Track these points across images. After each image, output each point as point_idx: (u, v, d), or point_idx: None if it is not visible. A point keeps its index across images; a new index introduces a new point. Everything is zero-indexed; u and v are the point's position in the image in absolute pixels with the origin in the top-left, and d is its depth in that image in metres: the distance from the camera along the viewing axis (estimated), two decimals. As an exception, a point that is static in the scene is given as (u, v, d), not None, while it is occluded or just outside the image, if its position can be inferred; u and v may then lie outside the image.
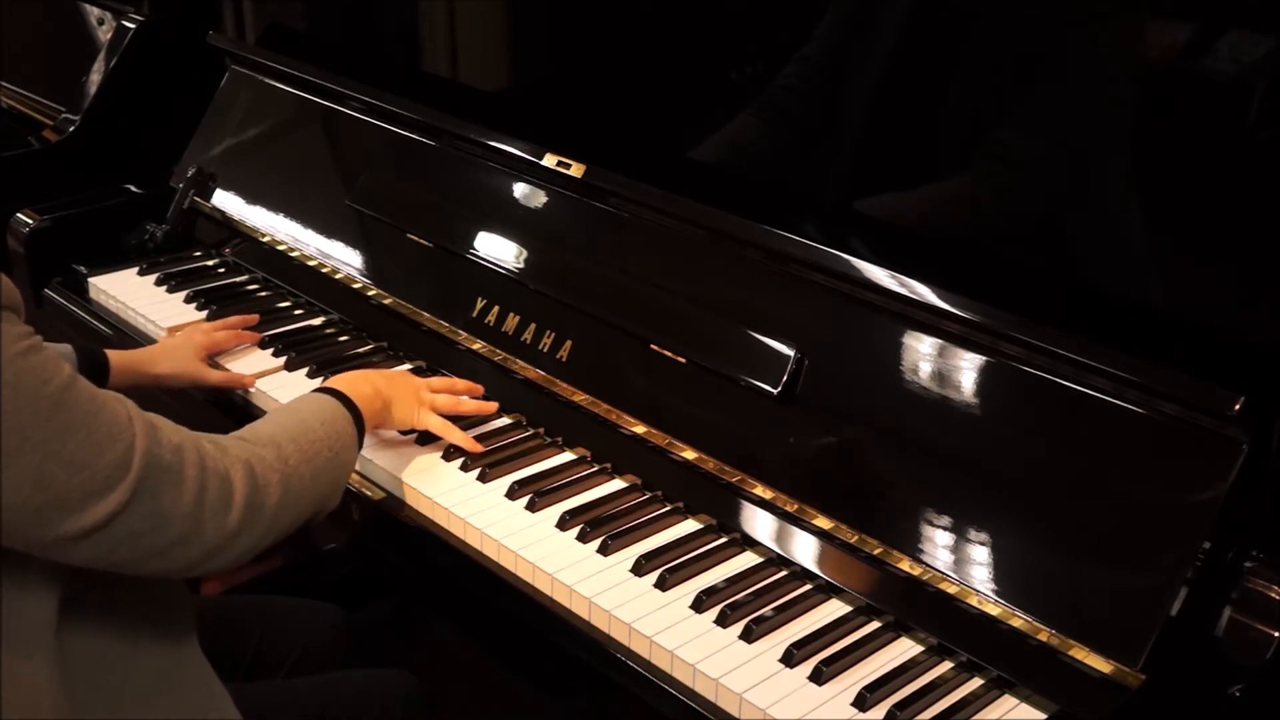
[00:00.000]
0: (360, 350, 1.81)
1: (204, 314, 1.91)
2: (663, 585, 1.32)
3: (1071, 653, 1.17)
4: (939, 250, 1.42)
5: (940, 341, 1.34)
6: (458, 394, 1.59)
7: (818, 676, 1.20)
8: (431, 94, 1.92)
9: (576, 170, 1.68)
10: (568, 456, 1.56)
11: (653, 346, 1.53)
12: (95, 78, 2.35)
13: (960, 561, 1.26)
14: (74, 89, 2.37)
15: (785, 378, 1.41)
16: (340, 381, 1.44)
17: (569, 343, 1.61)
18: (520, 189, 1.78)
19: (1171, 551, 1.16)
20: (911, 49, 1.44)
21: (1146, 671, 1.13)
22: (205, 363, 1.70)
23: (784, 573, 1.36)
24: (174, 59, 2.35)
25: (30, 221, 2.05)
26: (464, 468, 1.51)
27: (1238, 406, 1.14)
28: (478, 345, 1.70)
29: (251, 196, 2.08)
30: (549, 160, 1.72)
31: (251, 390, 1.71)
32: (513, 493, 1.46)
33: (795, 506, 1.37)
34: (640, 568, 1.34)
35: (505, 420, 1.61)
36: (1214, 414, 1.16)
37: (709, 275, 1.54)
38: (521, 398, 1.62)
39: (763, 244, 1.49)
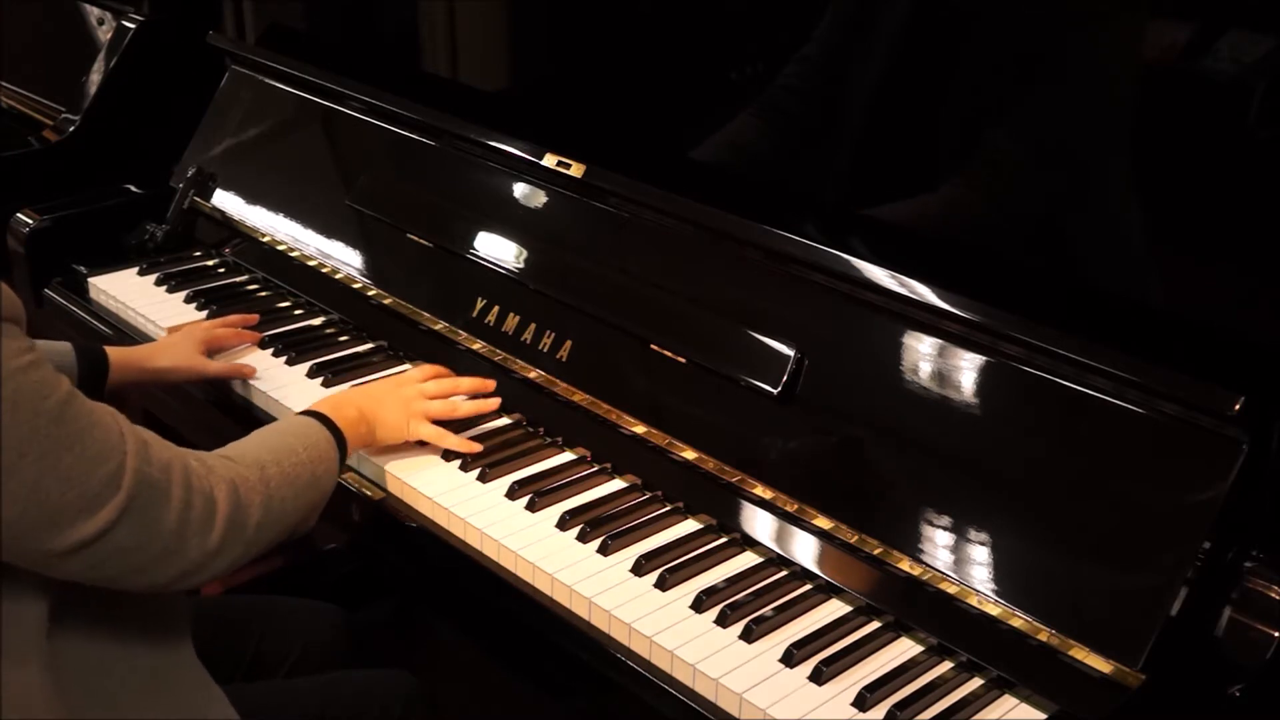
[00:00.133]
0: (360, 350, 1.81)
1: (204, 314, 1.91)
2: (663, 585, 1.32)
3: (1071, 653, 1.17)
4: (939, 250, 1.42)
5: (940, 341, 1.34)
6: (460, 392, 1.58)
7: (818, 676, 1.20)
8: (431, 94, 1.92)
9: (576, 170, 1.68)
10: (568, 456, 1.56)
11: (653, 346, 1.53)
12: (95, 78, 2.35)
13: (960, 561, 1.26)
14: (74, 89, 2.37)
15: (785, 378, 1.41)
16: (325, 405, 1.44)
17: (569, 343, 1.61)
18: (520, 189, 1.78)
19: (1171, 551, 1.16)
20: (911, 49, 1.44)
21: (1146, 671, 1.13)
22: (204, 355, 1.70)
23: (784, 573, 1.36)
24: (174, 59, 2.35)
25: (30, 221, 2.05)
26: (464, 468, 1.51)
27: (1238, 406, 1.14)
28: (478, 345, 1.70)
29: (251, 196, 2.08)
30: (549, 160, 1.72)
31: (252, 390, 1.71)
32: (513, 493, 1.46)
33: (795, 506, 1.37)
34: (640, 568, 1.34)
35: (505, 420, 1.61)
36: (1214, 414, 1.16)
37: (709, 275, 1.54)
38: (521, 398, 1.62)
39: (763, 244, 1.49)
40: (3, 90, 2.61)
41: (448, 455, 1.53)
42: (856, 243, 1.45)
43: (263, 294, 1.99)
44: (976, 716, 1.18)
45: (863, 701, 1.18)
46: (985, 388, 1.31)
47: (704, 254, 1.56)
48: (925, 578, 1.27)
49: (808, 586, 1.34)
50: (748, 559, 1.38)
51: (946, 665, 1.24)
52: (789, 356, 1.42)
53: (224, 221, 2.09)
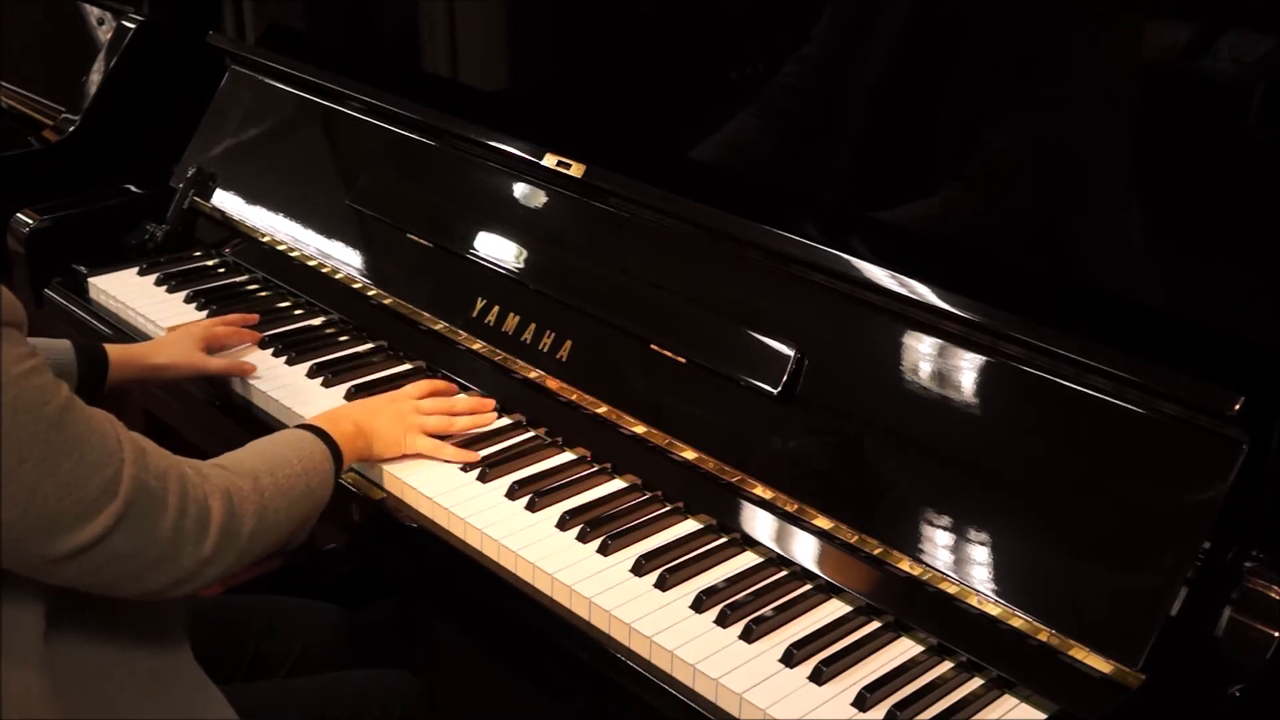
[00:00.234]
0: (360, 350, 1.81)
1: (204, 314, 1.90)
2: (663, 585, 1.32)
3: (1071, 653, 1.17)
4: (939, 250, 1.42)
5: (940, 341, 1.34)
6: (455, 411, 1.58)
7: (818, 676, 1.20)
8: (431, 94, 1.92)
9: (576, 170, 1.68)
10: (568, 456, 1.56)
11: (653, 346, 1.53)
12: (95, 78, 2.35)
13: (960, 561, 1.26)
14: (74, 89, 2.37)
15: (785, 378, 1.41)
16: (322, 419, 1.44)
17: (569, 343, 1.61)
18: (520, 189, 1.78)
19: (1171, 551, 1.16)
20: (911, 49, 1.44)
21: (1146, 671, 1.13)
22: (204, 352, 1.70)
23: (784, 573, 1.36)
24: (174, 59, 2.35)
25: (30, 221, 2.05)
26: (464, 468, 1.51)
27: (1238, 406, 1.14)
28: (478, 345, 1.70)
29: (251, 196, 2.08)
30: (549, 160, 1.72)
31: (251, 390, 1.71)
32: (513, 493, 1.46)
33: (795, 506, 1.37)
34: (640, 568, 1.34)
35: (505, 420, 1.61)
36: (1214, 414, 1.16)
37: (709, 275, 1.54)
38: (521, 398, 1.62)
39: (763, 244, 1.49)
40: (3, 90, 2.61)
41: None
42: (856, 243, 1.45)
43: (263, 294, 1.99)
44: (976, 716, 1.18)
45: (863, 701, 1.18)
46: (985, 388, 1.31)
47: (704, 254, 1.56)
48: (925, 578, 1.27)
49: (808, 586, 1.34)
50: (748, 559, 1.38)
51: (946, 665, 1.24)
52: (789, 356, 1.42)
53: (224, 221, 2.09)
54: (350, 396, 1.66)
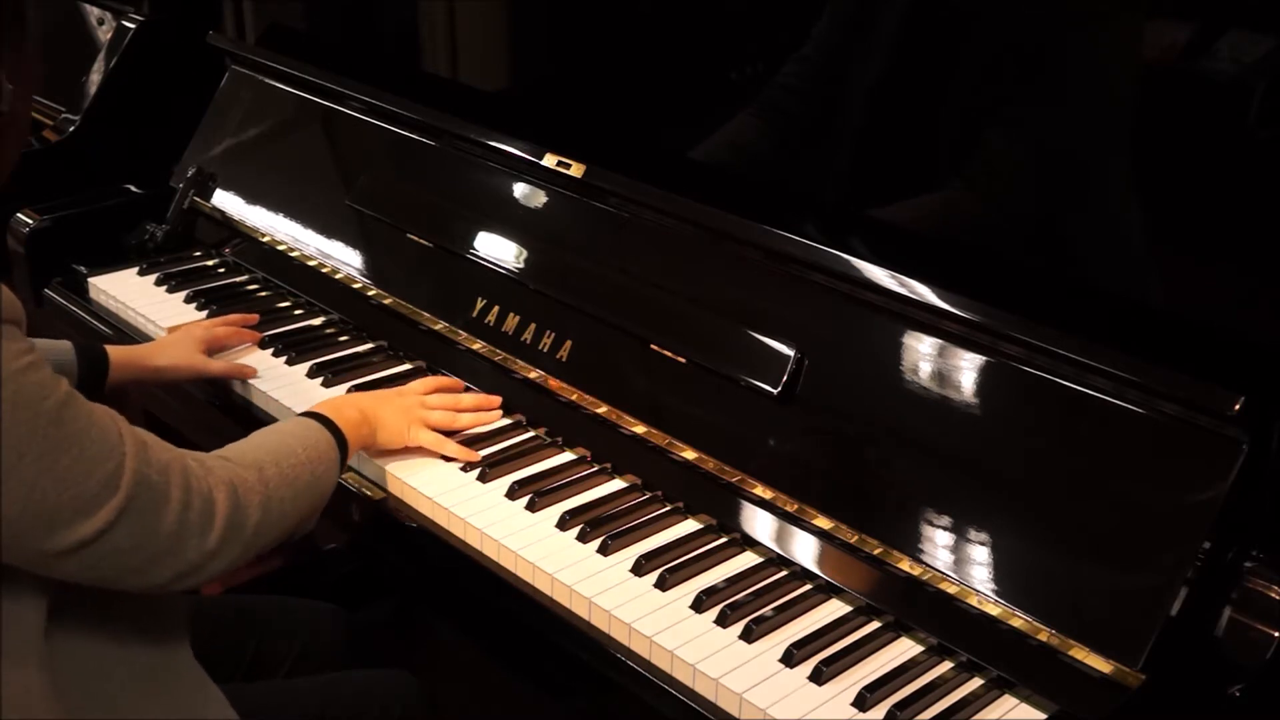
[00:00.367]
0: (360, 350, 1.81)
1: (204, 314, 1.90)
2: (663, 585, 1.32)
3: (1071, 653, 1.17)
4: (939, 250, 1.42)
5: (940, 341, 1.34)
6: (461, 409, 1.58)
7: (818, 676, 1.20)
8: (431, 94, 1.92)
9: (576, 170, 1.68)
10: (568, 456, 1.56)
11: (653, 346, 1.53)
12: (95, 78, 2.35)
13: (960, 561, 1.26)
14: (74, 89, 2.37)
15: (785, 378, 1.41)
16: (326, 406, 1.44)
17: (569, 343, 1.61)
18: (520, 189, 1.78)
19: (1171, 551, 1.16)
20: (911, 49, 1.44)
21: (1146, 671, 1.13)
22: (204, 355, 1.70)
23: (784, 573, 1.36)
24: (174, 59, 2.35)
25: (30, 221, 2.05)
26: (464, 468, 1.51)
27: (1238, 406, 1.14)
28: (478, 345, 1.70)
29: (251, 196, 2.08)
30: (549, 160, 1.72)
31: (251, 390, 1.71)
32: (513, 493, 1.46)
33: (795, 506, 1.37)
34: (640, 568, 1.34)
35: (505, 420, 1.61)
36: (1214, 414, 1.16)
37: (709, 275, 1.54)
38: (521, 398, 1.62)
39: (763, 244, 1.49)
40: (3, 90, 2.61)
41: (447, 456, 1.53)
42: (856, 243, 1.45)
43: (263, 294, 1.99)
44: (976, 716, 1.18)
45: (863, 701, 1.18)
46: (985, 388, 1.31)
47: (704, 254, 1.56)
48: (925, 578, 1.27)
49: (808, 586, 1.34)
50: (748, 559, 1.38)
51: (946, 665, 1.24)
52: (789, 356, 1.42)
53: (224, 221, 2.09)
54: (350, 396, 1.66)
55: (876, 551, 1.31)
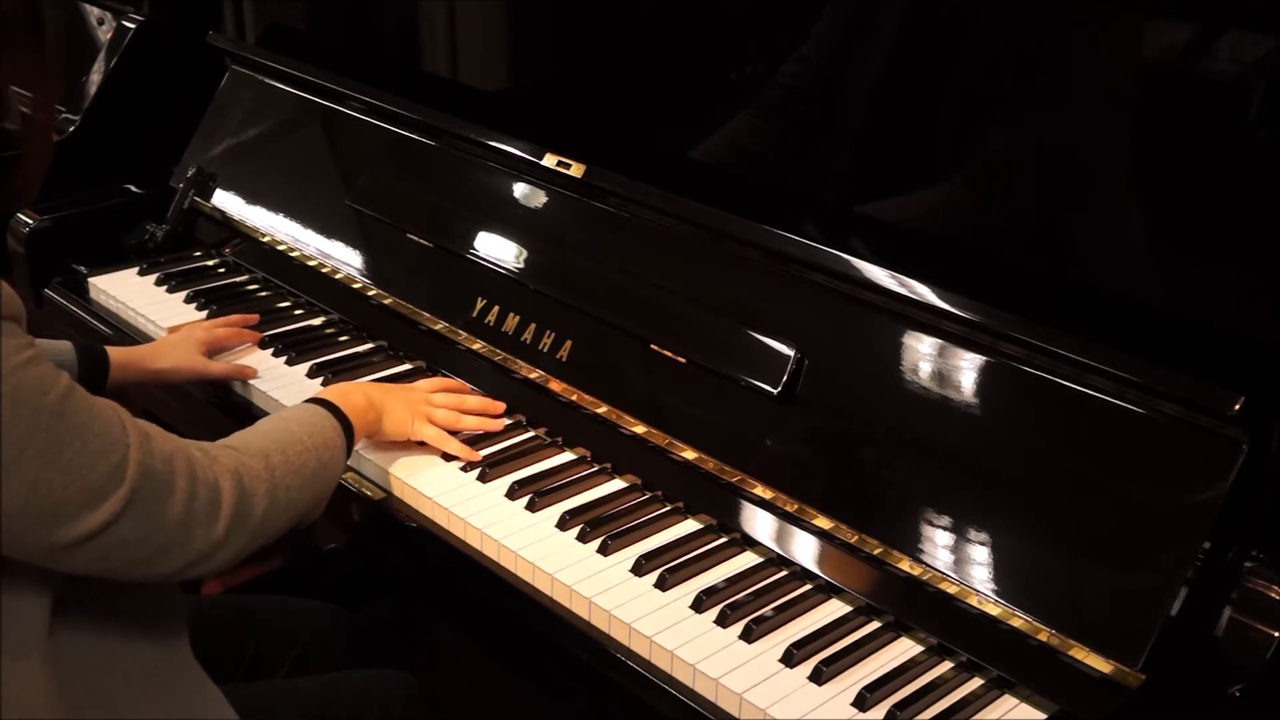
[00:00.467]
0: (360, 350, 1.81)
1: (204, 314, 1.90)
2: (663, 585, 1.32)
3: (1071, 653, 1.17)
4: (939, 250, 1.42)
5: (940, 341, 1.34)
6: (466, 410, 1.58)
7: (818, 676, 1.20)
8: (431, 94, 1.92)
9: (576, 170, 1.68)
10: (568, 456, 1.56)
11: (653, 346, 1.53)
12: (95, 78, 2.35)
13: (960, 561, 1.26)
14: (74, 89, 2.37)
15: (785, 378, 1.41)
16: (333, 392, 1.44)
17: (569, 343, 1.61)
18: (520, 189, 1.78)
19: (1171, 551, 1.16)
20: (911, 48, 1.44)
21: (1146, 671, 1.13)
22: (205, 356, 1.70)
23: (784, 573, 1.36)
24: (174, 59, 2.35)
25: (30, 221, 2.05)
26: (464, 468, 1.51)
27: (1238, 406, 1.14)
28: (478, 345, 1.70)
29: (251, 196, 2.08)
30: (549, 160, 1.72)
31: (251, 390, 1.71)
32: (513, 493, 1.46)
33: (795, 506, 1.37)
34: (640, 568, 1.34)
35: (505, 420, 1.61)
36: (1214, 414, 1.16)
37: (709, 275, 1.54)
38: (522, 398, 1.62)
39: (763, 244, 1.49)
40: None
41: (448, 456, 1.53)
42: (856, 243, 1.45)
43: (263, 294, 1.99)
44: (976, 716, 1.18)
45: (863, 701, 1.18)
46: (985, 388, 1.31)
47: (704, 254, 1.56)
48: (925, 578, 1.27)
49: (808, 586, 1.34)
50: (748, 559, 1.38)
51: (946, 665, 1.24)
52: (789, 356, 1.42)
53: (224, 221, 2.09)
54: (350, 396, 1.66)
55: (876, 551, 1.31)
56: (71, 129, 2.33)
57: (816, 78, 1.54)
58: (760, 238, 1.49)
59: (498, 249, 1.73)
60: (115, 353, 1.61)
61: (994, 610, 1.22)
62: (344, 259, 1.91)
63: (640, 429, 1.51)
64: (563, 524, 1.41)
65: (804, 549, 1.36)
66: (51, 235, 2.05)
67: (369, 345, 1.82)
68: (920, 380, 1.35)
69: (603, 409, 1.55)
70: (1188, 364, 1.18)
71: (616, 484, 1.51)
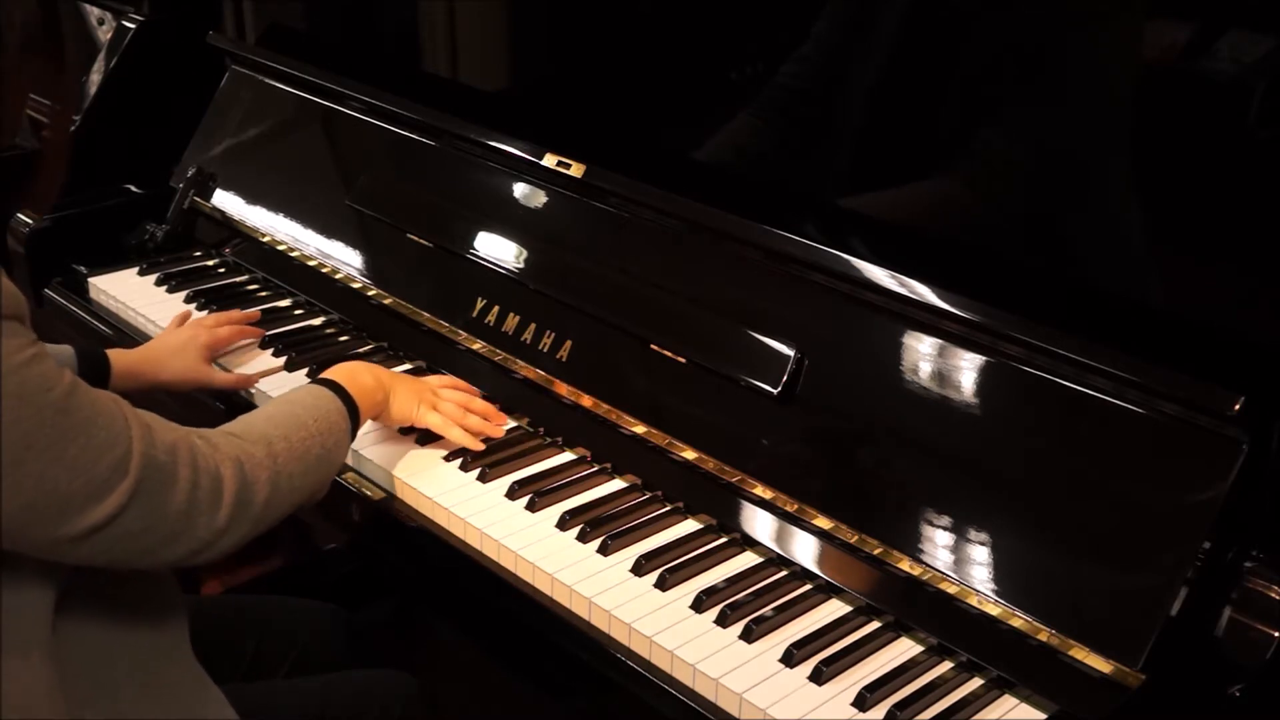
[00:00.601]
0: (360, 350, 1.80)
1: (204, 314, 1.90)
2: (663, 585, 1.32)
3: (1071, 653, 1.17)
4: (939, 250, 1.42)
5: (940, 341, 1.34)
6: (472, 409, 1.57)
7: (818, 676, 1.20)
8: (431, 94, 1.92)
9: (576, 170, 1.68)
10: (568, 456, 1.56)
11: (653, 346, 1.53)
12: (95, 78, 2.35)
13: (960, 561, 1.26)
14: (74, 89, 2.37)
15: (785, 378, 1.41)
16: (340, 371, 1.44)
17: (569, 343, 1.61)
18: (520, 189, 1.78)
19: (1171, 551, 1.16)
20: (911, 48, 1.44)
21: (1146, 671, 1.13)
22: (210, 365, 1.69)
23: (784, 573, 1.36)
24: (174, 59, 2.35)
25: (30, 221, 2.05)
26: (464, 467, 1.51)
27: (1238, 406, 1.14)
28: (478, 345, 1.70)
29: (251, 196, 2.08)
30: (549, 160, 1.72)
31: (253, 391, 1.71)
32: (513, 493, 1.46)
33: (795, 506, 1.37)
34: (640, 568, 1.34)
35: (507, 425, 1.61)
36: (1214, 414, 1.16)
37: (709, 275, 1.54)
38: (521, 398, 1.62)
39: (763, 244, 1.49)
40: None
41: (448, 455, 1.53)
42: (856, 243, 1.45)
43: (263, 294, 1.99)
44: (976, 716, 1.18)
45: (863, 701, 1.18)
46: (985, 388, 1.31)
47: (704, 254, 1.56)
48: (925, 578, 1.27)
49: (808, 586, 1.34)
50: (748, 559, 1.38)
51: (946, 665, 1.24)
52: (789, 356, 1.42)
53: (224, 221, 2.09)
54: (350, 396, 1.66)
55: (876, 551, 1.31)
56: (72, 129, 2.33)
57: (816, 78, 1.54)
58: (760, 238, 1.49)
59: (498, 249, 1.73)
60: (118, 360, 1.59)
61: (994, 610, 1.22)
62: (344, 259, 1.91)
63: (640, 429, 1.51)
64: (563, 524, 1.41)
65: (804, 549, 1.36)
66: (51, 235, 2.05)
67: (369, 345, 1.82)
68: (920, 380, 1.35)
69: (603, 409, 1.55)
70: (1188, 364, 1.18)
71: (616, 484, 1.51)
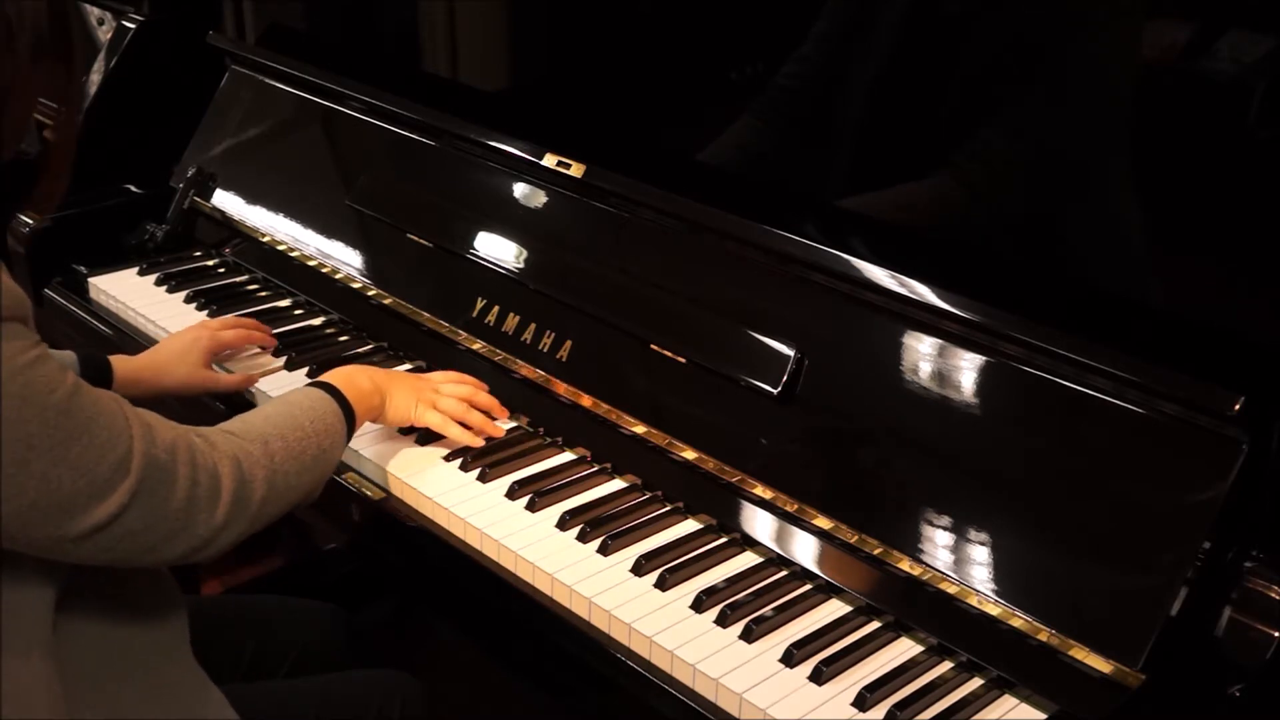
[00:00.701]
0: (360, 350, 1.80)
1: (204, 314, 1.90)
2: (663, 585, 1.32)
3: (1071, 653, 1.17)
4: (939, 250, 1.42)
5: (940, 341, 1.34)
6: (478, 406, 1.57)
7: (818, 676, 1.20)
8: (431, 94, 1.92)
9: (576, 170, 1.68)
10: (568, 456, 1.56)
11: (653, 346, 1.53)
12: (95, 78, 2.35)
13: (960, 561, 1.26)
14: (74, 89, 2.37)
15: (785, 378, 1.41)
16: (338, 375, 1.44)
17: (569, 343, 1.61)
18: (520, 189, 1.78)
19: (1171, 551, 1.16)
20: (911, 48, 1.44)
21: (1146, 671, 1.13)
22: (212, 368, 1.68)
23: (784, 573, 1.36)
24: (174, 59, 2.35)
25: (30, 221, 2.05)
26: (464, 467, 1.51)
27: (1238, 406, 1.14)
28: (478, 345, 1.70)
29: (251, 196, 2.08)
30: (549, 160, 1.72)
31: (253, 391, 1.70)
32: (513, 493, 1.46)
33: (795, 506, 1.37)
34: (640, 568, 1.34)
35: (508, 425, 1.61)
36: (1214, 414, 1.16)
37: (709, 275, 1.54)
38: (521, 398, 1.62)
39: (763, 244, 1.49)
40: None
41: (448, 455, 1.53)
42: (857, 243, 1.45)
43: (263, 294, 1.99)
44: (976, 716, 1.18)
45: (863, 701, 1.18)
46: (985, 388, 1.31)
47: (704, 254, 1.56)
48: (925, 578, 1.27)
49: (808, 586, 1.34)
50: (748, 559, 1.38)
51: (946, 665, 1.24)
52: (789, 356, 1.42)
53: (224, 221, 2.09)
54: (350, 396, 1.66)
55: (876, 551, 1.31)
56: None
57: (816, 78, 1.54)
58: (760, 238, 1.49)
59: (498, 249, 1.73)
60: (121, 366, 1.58)
61: (994, 610, 1.22)
62: (344, 259, 1.91)
63: (640, 429, 1.51)
64: (563, 524, 1.41)
65: (804, 549, 1.36)
66: (52, 235, 2.05)
67: (369, 345, 1.82)
68: (920, 380, 1.35)
69: (603, 409, 1.55)
70: (1188, 364, 1.18)
71: (616, 484, 1.51)
